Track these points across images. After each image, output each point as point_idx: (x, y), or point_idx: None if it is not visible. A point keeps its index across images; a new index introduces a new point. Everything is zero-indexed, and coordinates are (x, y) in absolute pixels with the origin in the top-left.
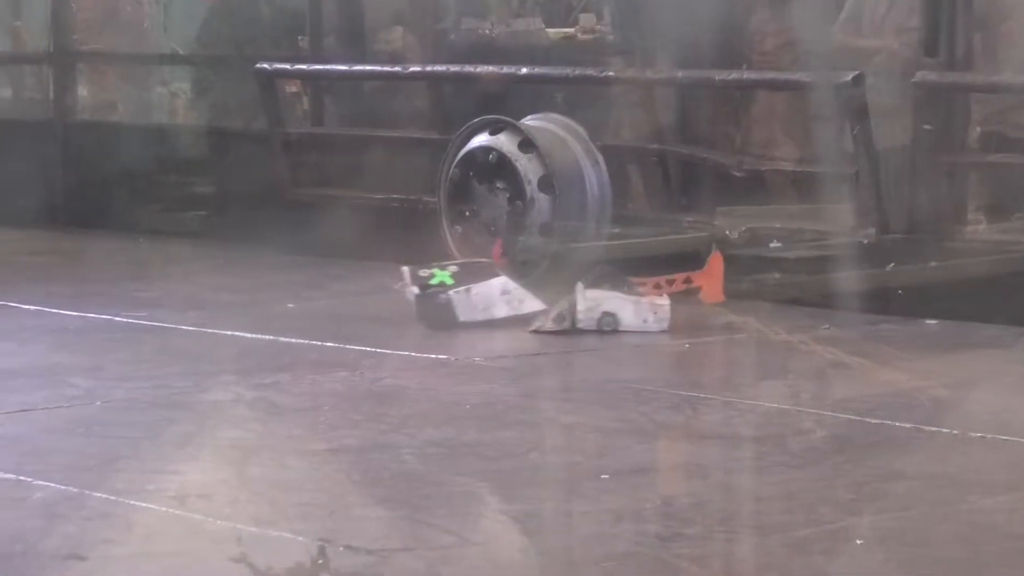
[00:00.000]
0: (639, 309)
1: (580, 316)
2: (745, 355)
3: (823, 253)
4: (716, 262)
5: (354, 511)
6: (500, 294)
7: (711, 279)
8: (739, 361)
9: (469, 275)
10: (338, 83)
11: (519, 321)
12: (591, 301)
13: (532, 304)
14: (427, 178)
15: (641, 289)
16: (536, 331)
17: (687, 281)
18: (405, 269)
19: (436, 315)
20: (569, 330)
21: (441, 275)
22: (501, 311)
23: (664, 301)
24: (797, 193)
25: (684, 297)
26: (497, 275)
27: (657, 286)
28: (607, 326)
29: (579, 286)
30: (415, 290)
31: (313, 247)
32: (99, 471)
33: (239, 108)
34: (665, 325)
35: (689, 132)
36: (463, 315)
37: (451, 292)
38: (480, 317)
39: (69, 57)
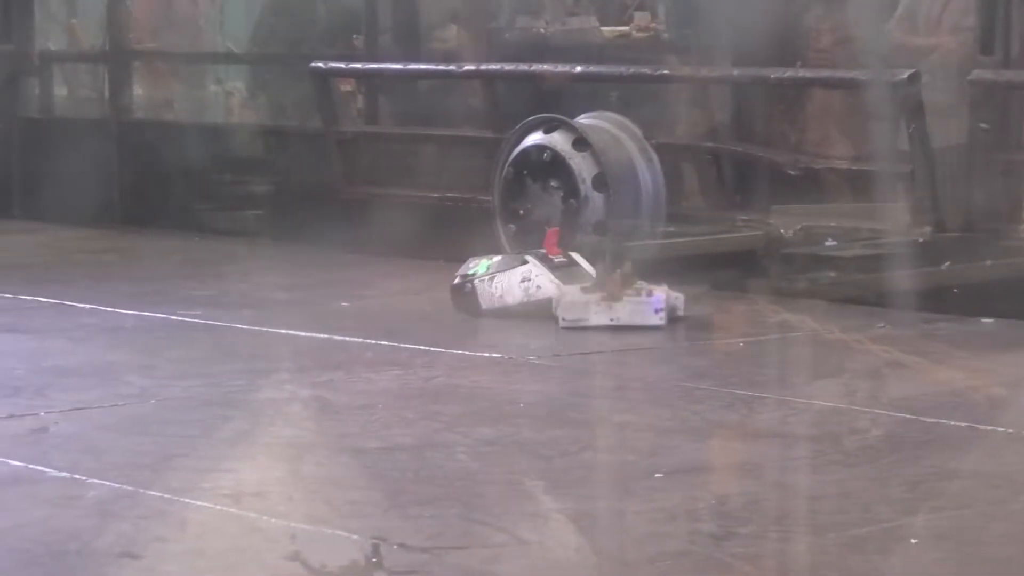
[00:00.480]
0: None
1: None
2: (800, 354)
3: (878, 252)
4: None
5: (408, 509)
6: (520, 282)
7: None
8: (794, 360)
9: (506, 264)
10: (392, 82)
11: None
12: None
13: (548, 289)
14: (481, 177)
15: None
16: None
17: None
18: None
19: (464, 304)
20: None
21: (482, 265)
22: (515, 298)
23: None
24: (852, 191)
25: (739, 295)
26: (523, 263)
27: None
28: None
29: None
30: (455, 279)
31: (367, 245)
32: (154, 469)
33: (294, 107)
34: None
35: (744, 130)
36: (484, 303)
37: (475, 281)
38: (496, 304)
39: (125, 55)
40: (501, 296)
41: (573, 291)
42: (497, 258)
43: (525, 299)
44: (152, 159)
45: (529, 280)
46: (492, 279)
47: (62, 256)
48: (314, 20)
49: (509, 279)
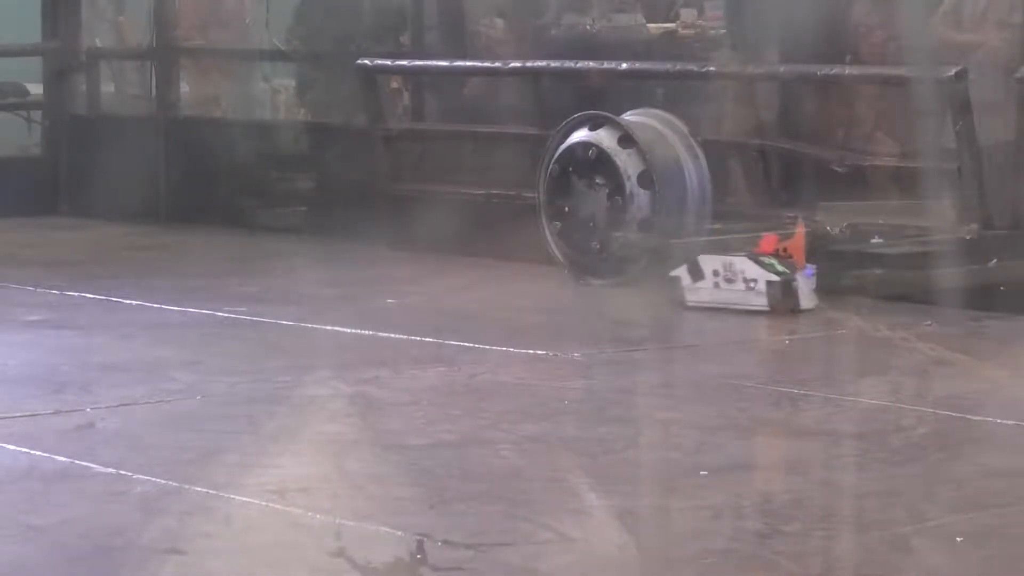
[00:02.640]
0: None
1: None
2: (846, 351)
3: (925, 249)
4: (800, 232)
5: (452, 506)
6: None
7: (798, 247)
8: (840, 357)
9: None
10: (438, 79)
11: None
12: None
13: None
14: (526, 173)
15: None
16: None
17: (784, 251)
18: (734, 258)
19: (784, 301)
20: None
21: (772, 261)
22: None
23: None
24: (899, 188)
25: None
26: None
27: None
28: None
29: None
30: (771, 277)
31: (413, 242)
32: (199, 465)
33: (340, 104)
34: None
35: (790, 127)
36: (804, 302)
37: (796, 276)
38: (808, 304)
39: (172, 53)
40: (808, 295)
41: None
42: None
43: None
44: (199, 156)
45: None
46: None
47: (108, 252)
48: (360, 17)
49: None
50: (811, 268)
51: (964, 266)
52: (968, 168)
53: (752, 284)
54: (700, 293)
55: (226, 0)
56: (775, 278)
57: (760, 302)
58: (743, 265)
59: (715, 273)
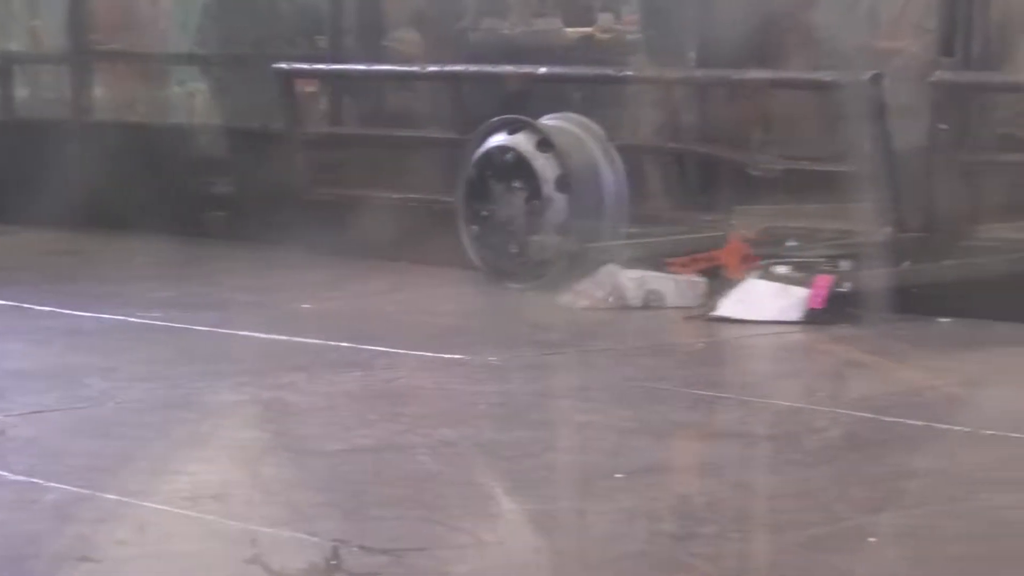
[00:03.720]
0: (679, 286)
1: (630, 294)
2: (761, 354)
3: (840, 252)
4: (735, 241)
5: (368, 511)
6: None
7: (732, 256)
8: (755, 360)
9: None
10: (357, 83)
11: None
12: (637, 279)
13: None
14: (445, 178)
15: (671, 269)
16: (588, 308)
17: (710, 259)
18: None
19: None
20: (616, 306)
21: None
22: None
23: (700, 279)
24: (815, 192)
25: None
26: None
27: (684, 264)
28: (654, 302)
29: (613, 267)
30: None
31: (331, 247)
32: (112, 472)
33: (257, 108)
34: (701, 301)
35: (707, 131)
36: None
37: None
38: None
39: (87, 57)
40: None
41: None
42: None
43: None
44: (115, 160)
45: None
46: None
47: (23, 258)
48: (275, 20)
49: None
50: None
51: (877, 268)
52: (882, 172)
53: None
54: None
55: (141, 4)
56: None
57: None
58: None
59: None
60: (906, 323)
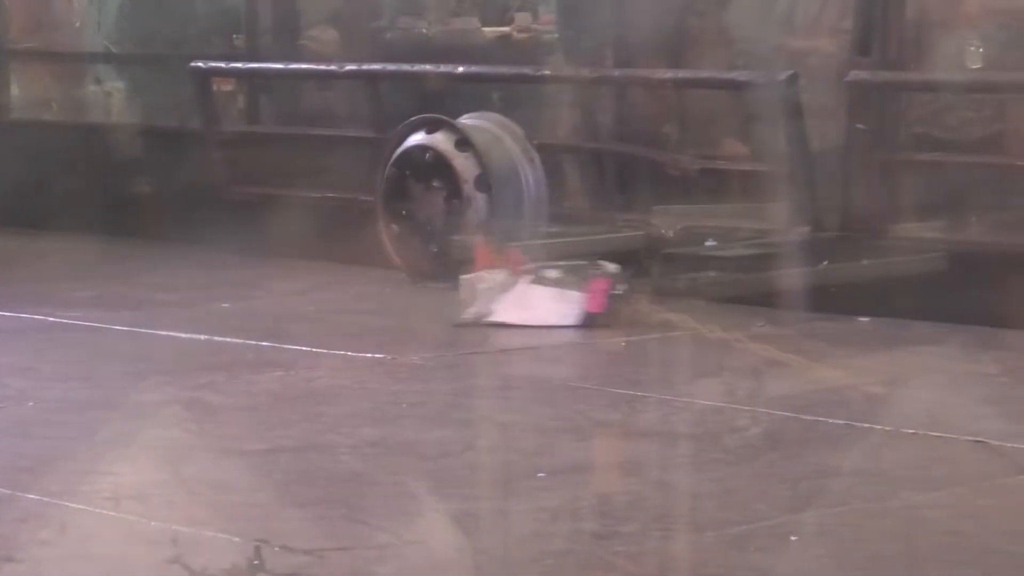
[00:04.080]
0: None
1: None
2: (681, 353)
3: (758, 251)
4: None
5: (290, 511)
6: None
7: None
8: (675, 359)
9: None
10: (274, 81)
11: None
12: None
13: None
14: (364, 177)
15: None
16: (462, 324)
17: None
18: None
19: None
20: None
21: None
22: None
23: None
24: (733, 192)
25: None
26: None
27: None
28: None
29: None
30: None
31: (249, 246)
32: (32, 472)
33: (174, 106)
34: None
35: (625, 130)
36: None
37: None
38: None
39: (2, 55)
40: None
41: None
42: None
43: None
44: (31, 159)
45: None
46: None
47: None
48: (192, 19)
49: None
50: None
51: (796, 268)
52: (799, 172)
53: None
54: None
55: (56, 2)
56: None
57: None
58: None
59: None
60: (825, 322)
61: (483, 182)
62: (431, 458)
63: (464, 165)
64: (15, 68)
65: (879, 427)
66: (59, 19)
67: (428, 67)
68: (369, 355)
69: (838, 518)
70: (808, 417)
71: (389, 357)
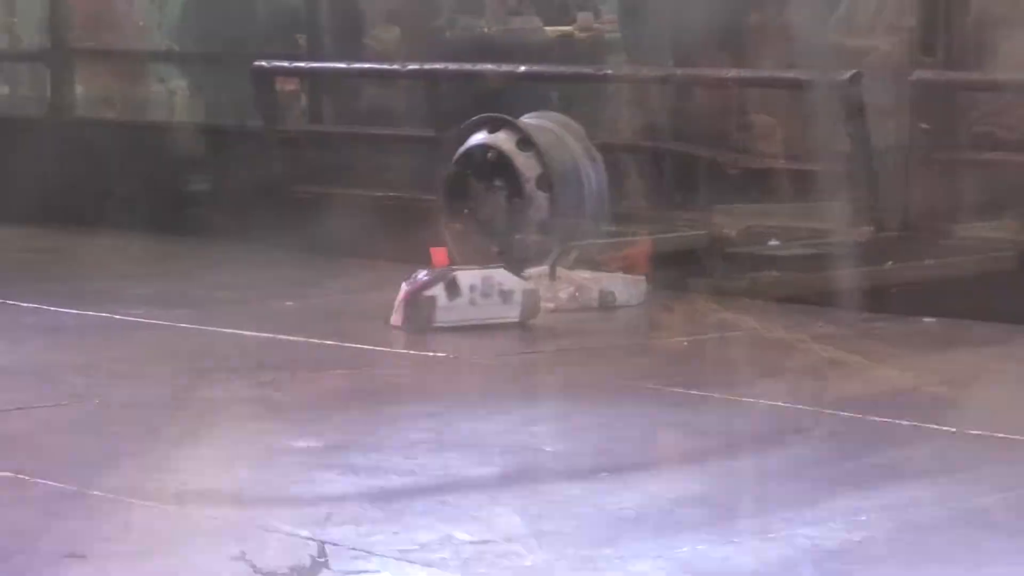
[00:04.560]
0: (627, 284)
1: (589, 295)
2: (743, 353)
3: (820, 251)
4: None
5: (352, 509)
6: None
7: (640, 256)
8: (737, 359)
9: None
10: (335, 81)
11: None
12: (590, 280)
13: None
14: (425, 176)
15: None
16: (554, 310)
17: (624, 259)
18: (489, 271)
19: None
20: (577, 308)
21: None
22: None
23: (640, 277)
24: (794, 191)
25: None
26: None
27: (610, 262)
28: (608, 302)
29: (560, 269)
30: (527, 286)
31: (311, 245)
32: (98, 469)
33: (237, 105)
34: (643, 299)
35: (687, 130)
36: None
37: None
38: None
39: (66, 54)
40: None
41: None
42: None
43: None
44: (94, 158)
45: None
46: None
47: (3, 255)
48: (254, 18)
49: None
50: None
51: (858, 268)
52: (862, 171)
53: (508, 295)
54: (452, 312)
55: (120, 2)
56: (530, 286)
57: (513, 313)
58: (501, 277)
59: (472, 288)
60: (886, 322)
61: (545, 181)
62: (494, 456)
63: (526, 164)
64: (78, 67)
65: (943, 428)
66: (122, 18)
67: (489, 66)
68: (431, 353)
69: (903, 518)
70: (873, 418)
71: (451, 356)
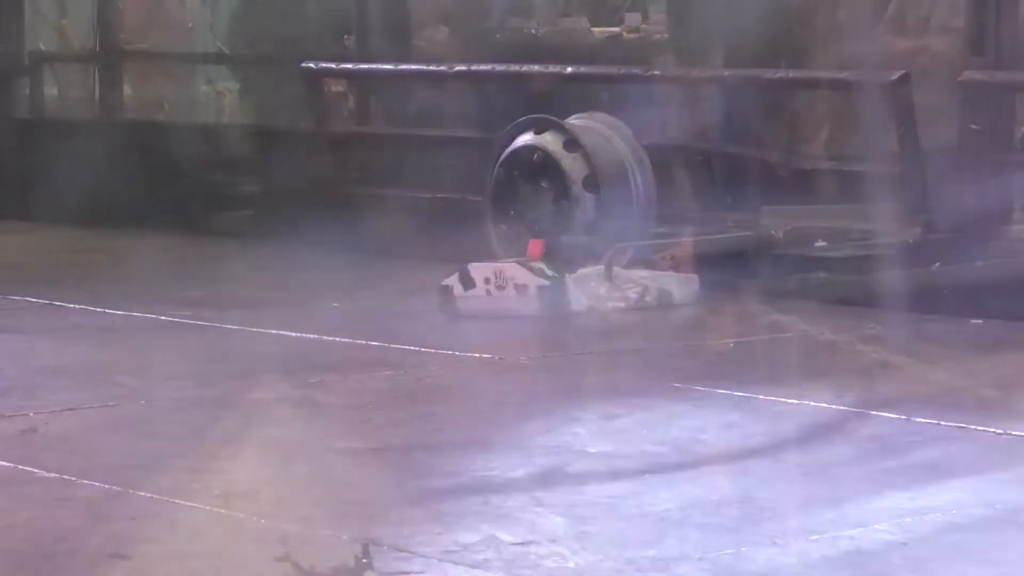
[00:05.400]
0: (680, 283)
1: (649, 294)
2: (790, 354)
3: (869, 252)
4: (687, 243)
5: (400, 511)
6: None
7: (686, 255)
8: (784, 360)
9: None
10: (384, 82)
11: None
12: (648, 279)
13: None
14: (472, 177)
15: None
16: (625, 309)
17: (672, 258)
18: (504, 264)
19: (556, 305)
20: (637, 307)
21: (542, 266)
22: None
23: (693, 276)
24: (843, 192)
25: (729, 295)
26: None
27: (661, 260)
28: (667, 301)
29: (617, 268)
30: (541, 282)
31: (359, 246)
32: (144, 470)
33: (285, 107)
34: (695, 298)
35: (735, 131)
36: (575, 305)
37: (566, 280)
38: (583, 307)
39: (115, 56)
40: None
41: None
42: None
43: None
44: (143, 159)
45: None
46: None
47: (52, 256)
48: (305, 19)
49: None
50: (696, 277)
51: (907, 269)
52: (911, 172)
53: (523, 289)
54: (472, 302)
55: (169, 3)
56: (545, 282)
57: (531, 308)
58: (513, 272)
59: (487, 281)
60: (937, 324)
61: (592, 183)
62: (537, 457)
63: (572, 165)
64: (128, 68)
65: (992, 430)
66: (171, 20)
67: (537, 67)
68: (477, 355)
69: (947, 521)
70: (920, 419)
71: (497, 357)
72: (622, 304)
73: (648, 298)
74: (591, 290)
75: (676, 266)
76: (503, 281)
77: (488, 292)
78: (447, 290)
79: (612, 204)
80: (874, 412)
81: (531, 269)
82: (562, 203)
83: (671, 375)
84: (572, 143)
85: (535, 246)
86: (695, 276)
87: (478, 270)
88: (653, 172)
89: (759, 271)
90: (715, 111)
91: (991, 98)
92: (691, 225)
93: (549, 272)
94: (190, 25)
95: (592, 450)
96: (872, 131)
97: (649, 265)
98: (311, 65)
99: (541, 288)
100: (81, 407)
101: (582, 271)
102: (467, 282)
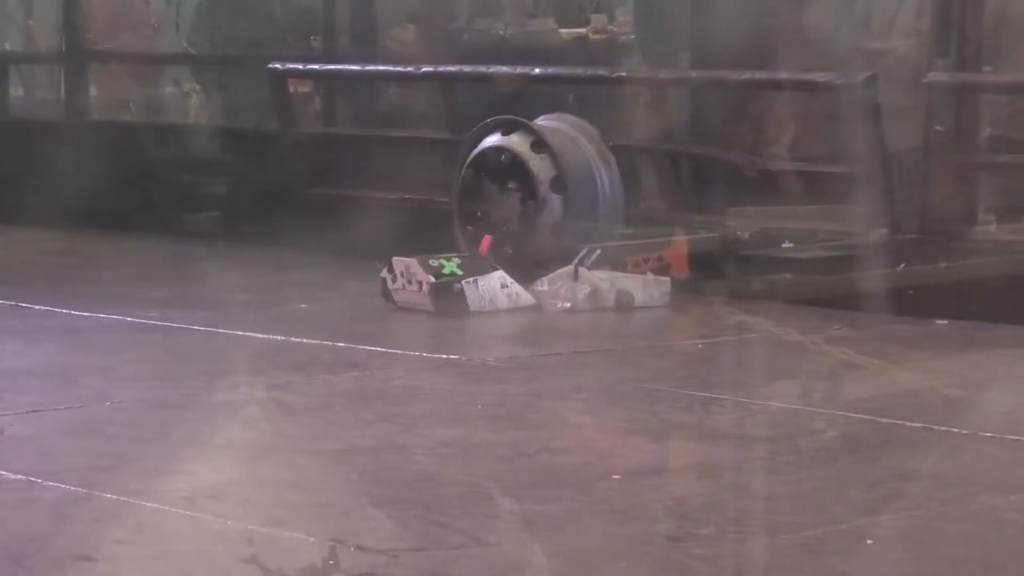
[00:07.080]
0: (647, 286)
1: (604, 295)
2: (757, 355)
3: (835, 254)
4: (681, 242)
5: (365, 511)
6: (500, 287)
7: (678, 257)
8: (751, 361)
9: (473, 267)
10: (350, 83)
11: (522, 319)
12: (606, 281)
13: (526, 298)
14: (439, 178)
15: (629, 269)
16: (569, 310)
17: (660, 259)
18: (410, 260)
19: (448, 304)
20: (591, 308)
21: (450, 266)
22: (503, 303)
23: (664, 278)
24: (809, 193)
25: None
26: (494, 269)
27: (636, 264)
28: (626, 303)
29: (580, 269)
30: (430, 279)
31: (325, 247)
32: (110, 472)
33: (251, 108)
34: (667, 300)
35: (701, 132)
36: (473, 305)
37: (463, 282)
38: (487, 308)
39: (81, 56)
40: (491, 300)
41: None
42: (455, 257)
43: (510, 304)
44: (109, 160)
45: (508, 286)
46: (476, 282)
47: (18, 258)
48: (269, 20)
49: (491, 284)
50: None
51: (873, 270)
52: (877, 173)
53: (420, 286)
54: (400, 293)
55: (135, 4)
56: (435, 280)
57: (428, 304)
58: (415, 268)
59: (401, 275)
60: (902, 325)
61: (558, 184)
62: (506, 459)
63: (540, 167)
64: (94, 69)
65: (957, 430)
66: (137, 21)
67: (504, 69)
68: (444, 356)
69: (914, 521)
70: (885, 420)
71: (464, 358)
72: (568, 304)
73: (599, 299)
74: (541, 291)
75: (666, 267)
76: (410, 276)
77: (403, 286)
78: (383, 281)
79: (578, 205)
80: (840, 413)
81: (428, 267)
82: (529, 204)
83: (638, 376)
84: (539, 144)
85: (485, 243)
86: (667, 279)
87: (397, 264)
88: (620, 173)
89: (725, 272)
90: (681, 112)
91: (955, 99)
92: (658, 226)
93: (447, 271)
94: (156, 26)
95: (561, 452)
96: (838, 132)
97: (621, 266)
98: (277, 66)
99: (432, 286)
100: (47, 409)
101: (552, 274)
102: (392, 274)
